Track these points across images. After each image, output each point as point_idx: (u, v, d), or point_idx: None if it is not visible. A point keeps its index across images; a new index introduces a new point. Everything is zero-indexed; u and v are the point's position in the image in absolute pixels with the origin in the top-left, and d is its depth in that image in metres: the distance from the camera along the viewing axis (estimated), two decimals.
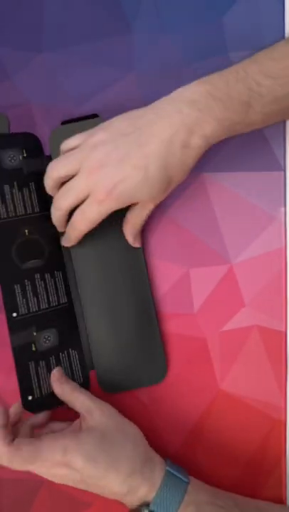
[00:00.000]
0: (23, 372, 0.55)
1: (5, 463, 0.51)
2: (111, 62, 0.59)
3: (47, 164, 0.58)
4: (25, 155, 0.57)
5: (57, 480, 0.52)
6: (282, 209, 0.59)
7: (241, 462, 0.60)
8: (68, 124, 0.58)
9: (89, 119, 0.58)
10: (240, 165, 0.59)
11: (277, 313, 0.59)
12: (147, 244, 0.60)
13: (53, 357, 0.57)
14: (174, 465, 0.53)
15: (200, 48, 0.59)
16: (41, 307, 0.57)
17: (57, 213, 0.55)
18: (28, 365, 0.56)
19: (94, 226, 0.53)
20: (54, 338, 0.57)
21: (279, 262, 0.59)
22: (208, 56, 0.59)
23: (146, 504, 0.50)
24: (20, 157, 0.57)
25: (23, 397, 0.56)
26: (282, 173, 0.60)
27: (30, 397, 0.56)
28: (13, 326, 0.55)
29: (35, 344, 0.56)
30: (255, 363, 0.59)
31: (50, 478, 0.52)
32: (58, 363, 0.57)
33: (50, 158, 0.58)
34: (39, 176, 0.58)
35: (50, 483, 0.60)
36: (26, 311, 0.56)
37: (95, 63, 0.59)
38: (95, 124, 0.57)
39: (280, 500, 0.60)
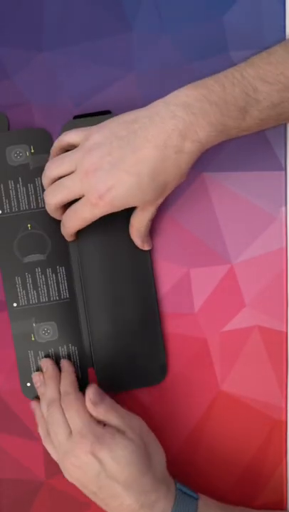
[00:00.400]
0: (22, 360, 0.58)
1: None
2: (111, 61, 0.59)
3: None
4: (32, 151, 0.58)
5: (73, 469, 0.52)
6: (283, 209, 0.59)
7: (242, 463, 0.60)
8: (80, 119, 0.58)
9: (101, 116, 0.58)
10: (240, 165, 0.59)
11: (277, 314, 0.59)
12: None
13: (52, 350, 0.58)
14: (181, 484, 0.54)
15: (200, 48, 0.59)
16: (41, 300, 0.58)
17: (47, 207, 0.55)
18: (28, 353, 0.58)
19: (85, 225, 0.54)
20: (53, 331, 0.58)
21: (280, 262, 0.59)
22: (209, 56, 0.59)
23: None
24: (27, 153, 0.58)
25: (22, 383, 0.59)
26: (283, 172, 0.59)
27: (28, 384, 0.59)
28: (14, 316, 0.58)
29: (34, 334, 0.58)
30: (256, 364, 0.59)
31: (68, 465, 0.52)
32: (57, 357, 0.59)
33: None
34: None
35: (50, 484, 0.60)
36: (26, 303, 0.58)
37: (95, 63, 0.59)
38: None
39: (281, 502, 0.60)
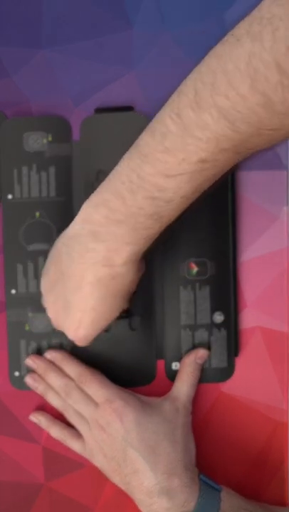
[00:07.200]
0: (13, 348, 0.58)
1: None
2: (111, 59, 0.59)
3: (74, 150, 0.58)
4: (50, 139, 0.58)
5: (99, 435, 0.53)
6: (285, 208, 0.59)
7: (243, 465, 0.60)
8: (101, 114, 0.58)
9: (123, 112, 0.58)
10: (242, 164, 0.59)
11: (279, 314, 0.59)
12: None
13: (45, 341, 0.59)
14: (204, 475, 0.54)
15: (201, 46, 0.59)
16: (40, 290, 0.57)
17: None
18: (20, 342, 0.58)
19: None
20: (49, 322, 0.58)
21: (282, 263, 0.59)
22: None
23: None
24: (44, 140, 0.58)
25: (11, 372, 0.58)
26: (285, 172, 0.59)
27: (17, 373, 0.58)
28: (10, 303, 0.58)
29: (28, 324, 0.58)
30: (257, 365, 0.59)
31: (95, 432, 0.53)
32: (50, 348, 0.58)
33: (79, 144, 0.58)
34: (62, 161, 0.58)
35: (49, 486, 0.59)
36: (25, 291, 0.58)
37: (95, 61, 0.59)
38: (128, 118, 0.57)
39: (283, 504, 0.60)
